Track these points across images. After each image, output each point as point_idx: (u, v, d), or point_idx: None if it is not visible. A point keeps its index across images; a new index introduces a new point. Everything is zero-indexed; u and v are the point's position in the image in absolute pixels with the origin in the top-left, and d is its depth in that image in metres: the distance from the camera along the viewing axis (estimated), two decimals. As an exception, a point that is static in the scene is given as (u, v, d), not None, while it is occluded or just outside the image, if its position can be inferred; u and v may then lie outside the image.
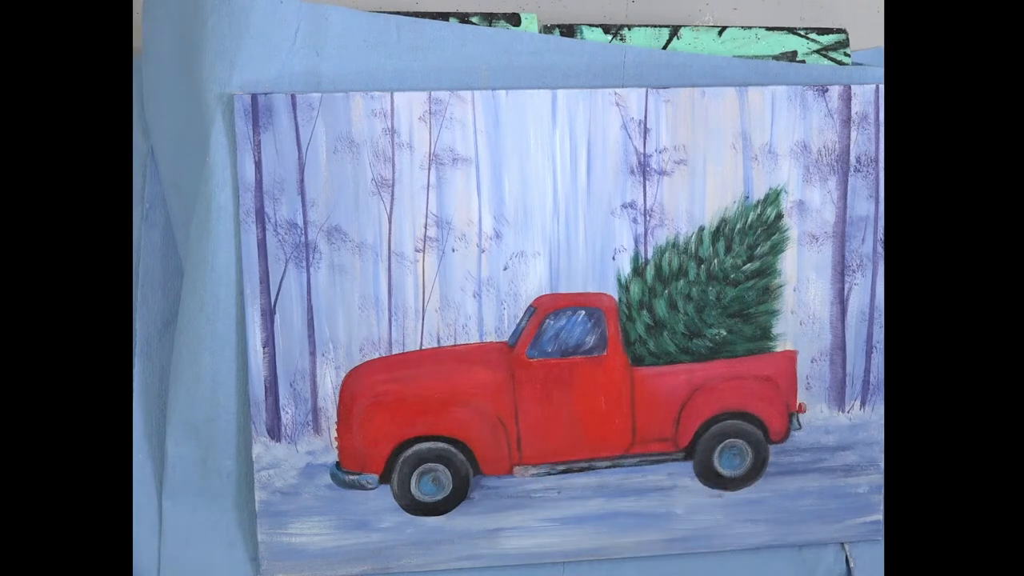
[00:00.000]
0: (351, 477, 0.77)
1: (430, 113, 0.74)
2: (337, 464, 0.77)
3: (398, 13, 0.76)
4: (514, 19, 0.80)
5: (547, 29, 0.80)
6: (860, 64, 0.81)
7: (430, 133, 0.74)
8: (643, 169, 0.76)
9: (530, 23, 0.80)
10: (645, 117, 0.75)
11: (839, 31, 0.82)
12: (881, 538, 0.80)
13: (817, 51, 0.81)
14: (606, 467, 0.78)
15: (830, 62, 0.81)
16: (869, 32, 0.84)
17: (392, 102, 0.73)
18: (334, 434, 0.76)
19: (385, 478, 0.77)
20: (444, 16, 0.79)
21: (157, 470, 0.78)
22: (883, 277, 0.78)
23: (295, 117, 0.73)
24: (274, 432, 0.76)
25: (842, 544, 0.82)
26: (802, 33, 0.81)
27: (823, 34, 0.82)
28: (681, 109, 0.75)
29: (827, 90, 0.77)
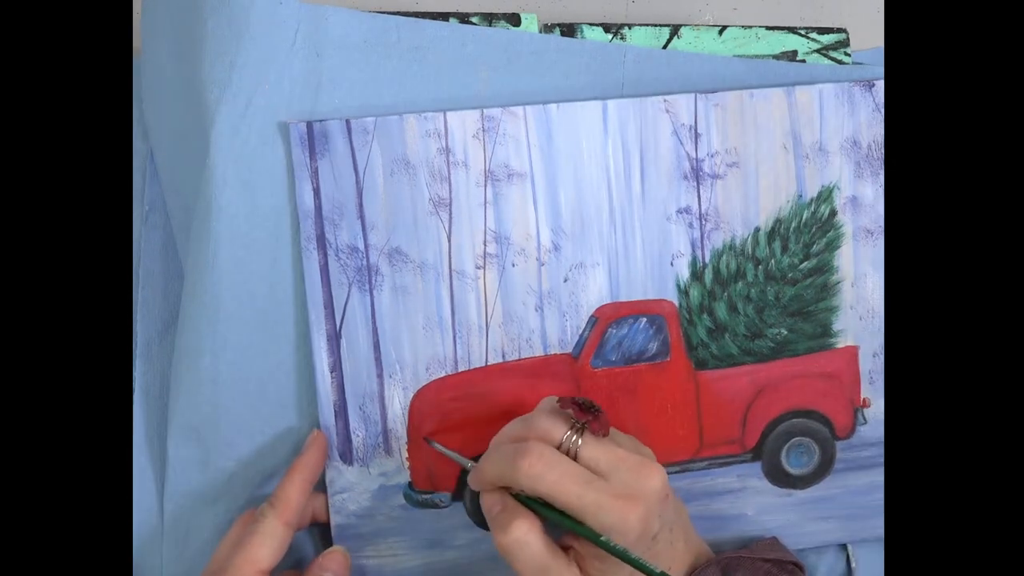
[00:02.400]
0: (424, 496, 0.77)
1: (483, 130, 0.75)
2: (409, 484, 0.77)
3: (398, 13, 0.77)
4: (514, 19, 0.80)
5: (547, 28, 0.80)
6: (860, 64, 0.82)
7: (484, 150, 0.75)
8: (696, 174, 0.76)
9: (530, 23, 0.80)
10: (695, 122, 0.76)
11: (839, 31, 0.83)
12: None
13: (817, 51, 0.82)
14: (675, 472, 0.78)
15: (830, 61, 0.82)
16: (869, 32, 0.85)
17: (445, 122, 0.74)
18: (405, 455, 0.77)
19: (457, 495, 0.77)
20: (444, 16, 0.79)
21: (158, 473, 0.78)
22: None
23: (351, 142, 0.74)
24: (346, 456, 0.76)
25: (844, 545, 0.82)
26: (802, 32, 0.82)
27: (823, 34, 0.82)
28: (730, 112, 0.76)
29: (873, 85, 0.77)
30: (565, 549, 0.66)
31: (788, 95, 0.76)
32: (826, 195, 0.77)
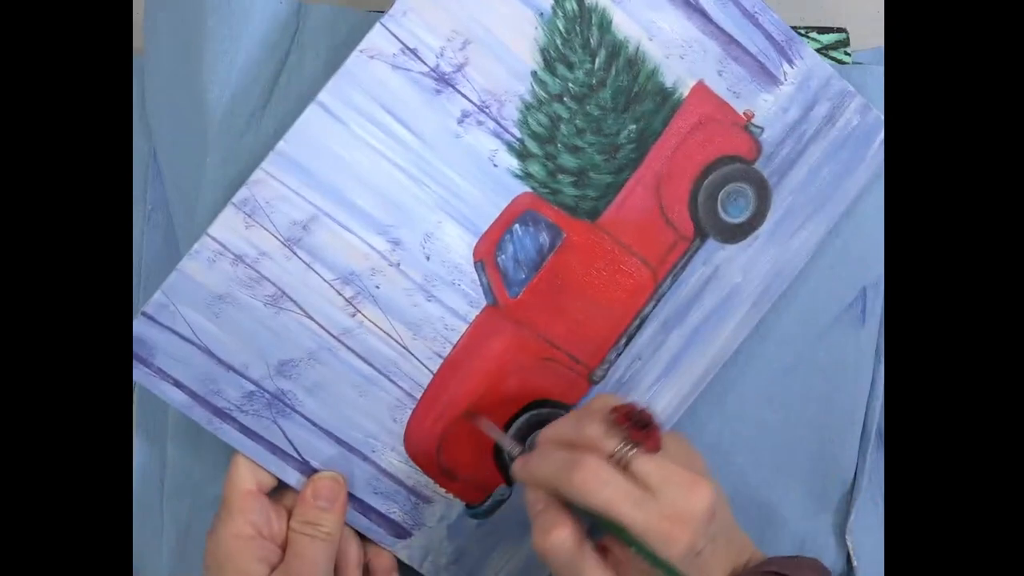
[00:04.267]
0: (486, 504, 0.77)
1: (249, 216, 0.70)
2: (467, 506, 0.76)
3: None
4: None
5: None
6: (860, 64, 0.77)
7: (266, 229, 0.70)
8: (444, 79, 0.70)
9: None
10: (402, 42, 0.69)
11: (839, 30, 0.78)
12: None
13: (817, 50, 0.77)
14: (653, 308, 0.76)
15: (832, 60, 0.78)
16: (870, 32, 0.79)
17: (215, 239, 0.70)
18: (442, 491, 0.76)
19: (509, 481, 0.76)
20: None
21: (159, 473, 0.80)
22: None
23: (161, 325, 0.70)
24: (400, 533, 0.76)
25: (845, 541, 0.80)
26: (803, 32, 0.77)
27: (823, 33, 0.78)
28: (422, 8, 0.69)
29: None
30: (603, 550, 0.65)
31: None
32: (561, -5, 0.71)
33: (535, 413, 0.75)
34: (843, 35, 0.79)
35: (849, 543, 0.81)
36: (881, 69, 0.77)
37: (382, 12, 0.70)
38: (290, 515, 0.73)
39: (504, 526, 0.77)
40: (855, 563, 0.81)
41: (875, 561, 0.81)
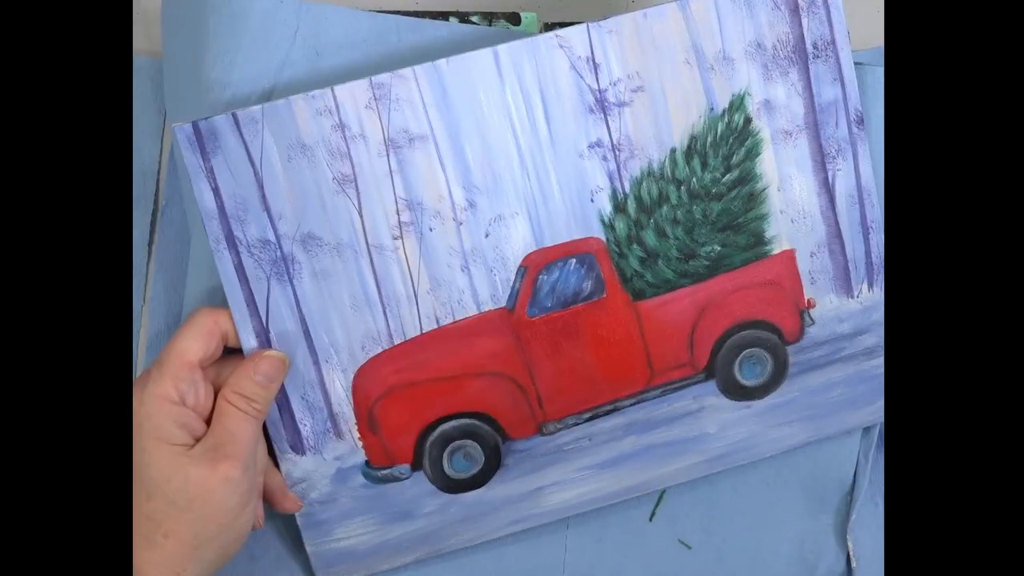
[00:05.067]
0: (383, 472, 0.77)
1: (375, 99, 0.72)
2: (366, 463, 0.77)
3: (398, 13, 0.76)
4: (514, 18, 0.80)
5: (548, 28, 0.79)
6: (860, 64, 0.79)
7: (380, 119, 0.72)
8: (602, 105, 0.74)
9: (530, 23, 0.79)
10: (592, 52, 0.73)
11: None
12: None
13: None
14: (631, 405, 0.78)
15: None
16: (870, 31, 0.83)
17: (335, 97, 0.71)
18: (356, 435, 0.76)
19: (417, 465, 0.77)
20: (444, 16, 0.78)
21: None
22: (864, 158, 0.77)
23: (241, 134, 0.71)
24: (297, 447, 0.75)
25: (845, 541, 0.83)
26: None
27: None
28: (626, 36, 0.73)
29: (767, -19, 0.74)
30: None
31: (683, 9, 0.73)
32: (738, 103, 0.75)
33: (470, 423, 0.76)
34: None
35: (849, 543, 0.82)
36: (881, 69, 0.79)
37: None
38: (218, 393, 0.72)
39: (379, 502, 0.77)
40: (855, 563, 0.82)
41: (875, 561, 0.82)
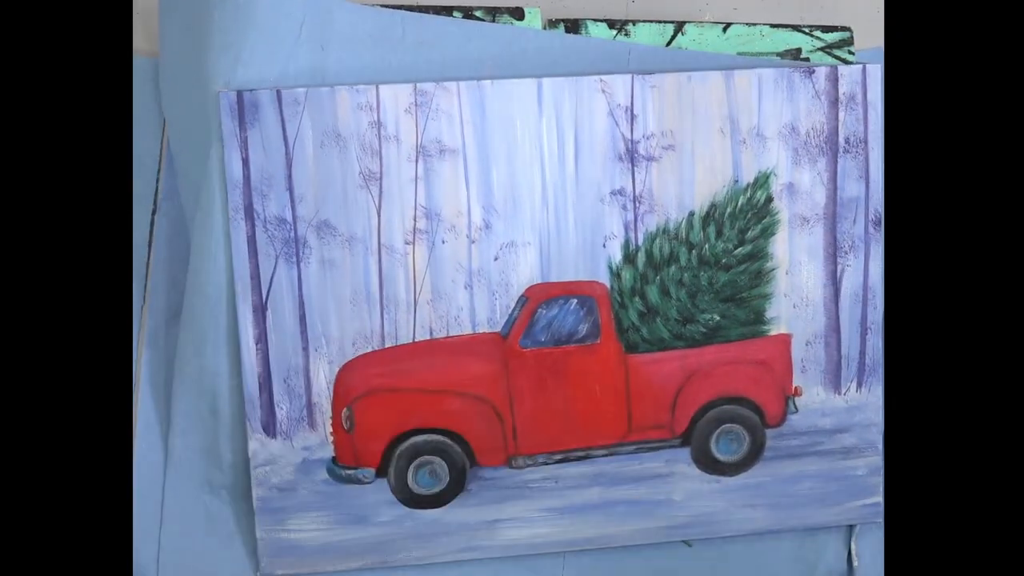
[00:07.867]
0: (347, 472, 0.77)
1: (416, 105, 0.73)
2: (333, 459, 0.77)
3: (402, 8, 0.77)
4: (518, 14, 0.80)
5: (551, 24, 0.80)
6: (864, 63, 0.80)
7: (416, 125, 0.74)
8: (631, 156, 0.75)
9: (533, 18, 0.80)
10: (632, 103, 0.75)
11: (844, 29, 0.82)
12: (881, 520, 0.79)
13: (821, 48, 0.81)
14: (603, 455, 0.78)
15: (835, 60, 0.81)
16: (870, 31, 0.83)
17: (378, 95, 0.73)
18: (329, 429, 0.76)
19: (382, 472, 0.77)
20: (448, 11, 0.79)
21: (162, 461, 0.78)
22: (875, 258, 0.78)
23: (281, 112, 0.73)
24: (269, 428, 0.76)
25: (849, 536, 0.82)
26: (807, 31, 0.81)
27: (828, 31, 0.82)
28: (668, 94, 0.75)
29: (814, 71, 0.76)
30: None
31: (727, 79, 0.75)
32: (763, 181, 0.77)
33: (442, 441, 0.77)
34: (847, 33, 0.81)
35: (851, 543, 0.81)
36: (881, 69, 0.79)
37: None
38: None
39: (337, 501, 0.77)
40: (855, 563, 0.81)
41: (875, 561, 0.81)
